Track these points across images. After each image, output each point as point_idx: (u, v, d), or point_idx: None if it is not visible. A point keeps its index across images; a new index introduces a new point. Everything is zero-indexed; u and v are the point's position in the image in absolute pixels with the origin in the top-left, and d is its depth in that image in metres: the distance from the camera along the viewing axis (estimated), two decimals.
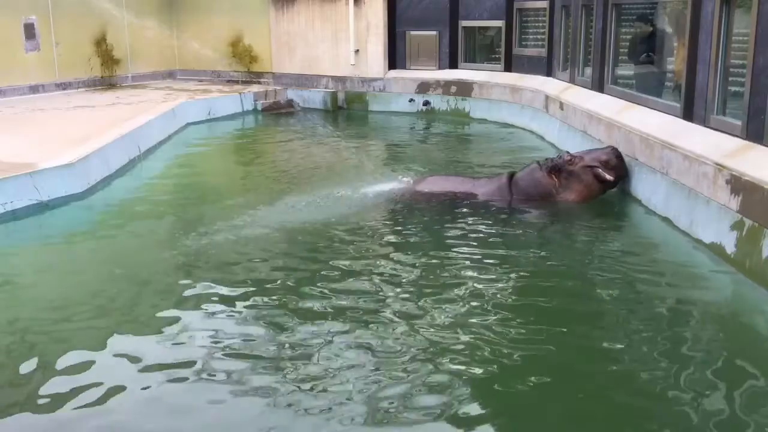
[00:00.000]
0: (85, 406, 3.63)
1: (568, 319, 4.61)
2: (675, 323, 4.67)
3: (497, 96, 12.97)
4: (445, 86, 13.87)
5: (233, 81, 16.16)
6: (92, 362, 4.04)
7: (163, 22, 16.67)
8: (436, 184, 7.57)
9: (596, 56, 9.61)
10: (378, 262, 5.57)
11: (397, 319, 4.51)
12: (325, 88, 15.10)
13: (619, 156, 7.22)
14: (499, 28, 13.32)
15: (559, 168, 7.13)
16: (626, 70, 9.32)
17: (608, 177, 7.10)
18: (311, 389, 3.73)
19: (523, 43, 13.09)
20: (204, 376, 3.89)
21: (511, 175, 7.36)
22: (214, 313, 4.67)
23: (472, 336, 4.28)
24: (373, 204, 7.27)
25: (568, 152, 7.41)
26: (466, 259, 5.67)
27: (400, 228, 6.65)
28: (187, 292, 5.04)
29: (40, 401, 3.68)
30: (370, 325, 4.43)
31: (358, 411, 3.53)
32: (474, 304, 4.75)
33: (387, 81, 14.48)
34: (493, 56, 13.73)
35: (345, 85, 14.91)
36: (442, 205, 7.16)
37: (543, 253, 5.86)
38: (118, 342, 4.29)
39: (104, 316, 4.68)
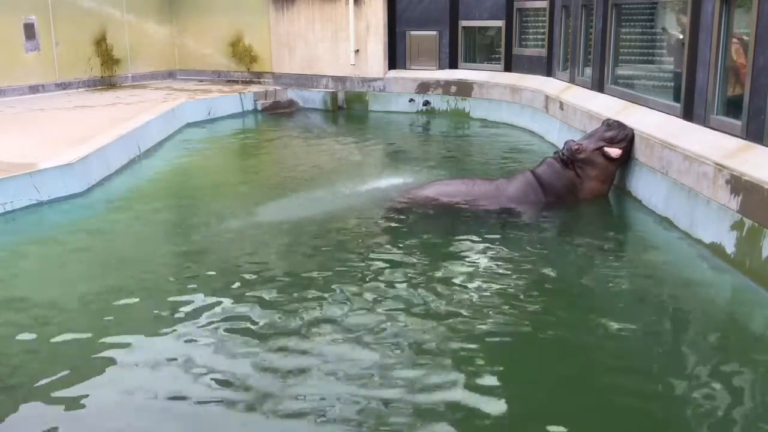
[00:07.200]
0: (83, 404, 3.64)
1: (567, 319, 4.61)
2: (674, 323, 4.68)
3: (497, 96, 12.98)
4: (445, 86, 13.87)
5: (233, 81, 16.17)
6: (92, 361, 4.04)
7: (163, 22, 16.67)
8: (447, 189, 7.21)
9: (596, 56, 9.61)
10: (385, 267, 5.57)
11: (405, 321, 4.52)
12: (325, 88, 15.10)
13: (618, 125, 7.25)
14: (499, 28, 13.33)
15: (572, 159, 7.12)
16: (626, 70, 9.32)
17: (617, 152, 7.09)
18: (313, 387, 3.73)
19: (523, 43, 13.09)
20: (202, 374, 3.88)
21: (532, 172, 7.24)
22: (213, 313, 4.66)
23: (472, 340, 4.29)
24: (375, 207, 7.11)
25: (572, 141, 7.36)
26: (461, 258, 5.68)
27: (409, 230, 6.64)
28: (188, 291, 5.04)
29: (39, 400, 3.68)
30: (374, 326, 4.43)
31: (356, 411, 3.53)
32: (473, 305, 4.77)
33: (387, 81, 14.48)
34: (493, 56, 13.73)
35: (345, 85, 14.91)
36: (461, 210, 6.85)
37: (541, 255, 5.86)
38: (118, 342, 4.29)
39: (104, 315, 4.67)
